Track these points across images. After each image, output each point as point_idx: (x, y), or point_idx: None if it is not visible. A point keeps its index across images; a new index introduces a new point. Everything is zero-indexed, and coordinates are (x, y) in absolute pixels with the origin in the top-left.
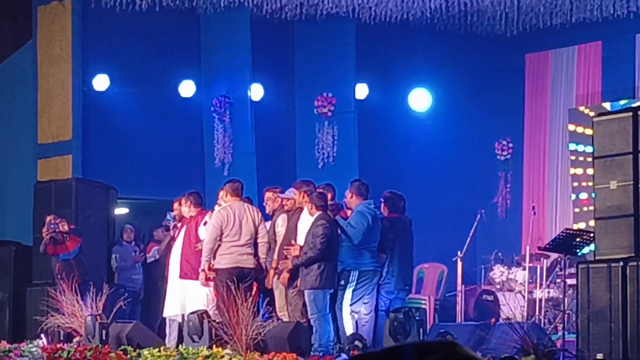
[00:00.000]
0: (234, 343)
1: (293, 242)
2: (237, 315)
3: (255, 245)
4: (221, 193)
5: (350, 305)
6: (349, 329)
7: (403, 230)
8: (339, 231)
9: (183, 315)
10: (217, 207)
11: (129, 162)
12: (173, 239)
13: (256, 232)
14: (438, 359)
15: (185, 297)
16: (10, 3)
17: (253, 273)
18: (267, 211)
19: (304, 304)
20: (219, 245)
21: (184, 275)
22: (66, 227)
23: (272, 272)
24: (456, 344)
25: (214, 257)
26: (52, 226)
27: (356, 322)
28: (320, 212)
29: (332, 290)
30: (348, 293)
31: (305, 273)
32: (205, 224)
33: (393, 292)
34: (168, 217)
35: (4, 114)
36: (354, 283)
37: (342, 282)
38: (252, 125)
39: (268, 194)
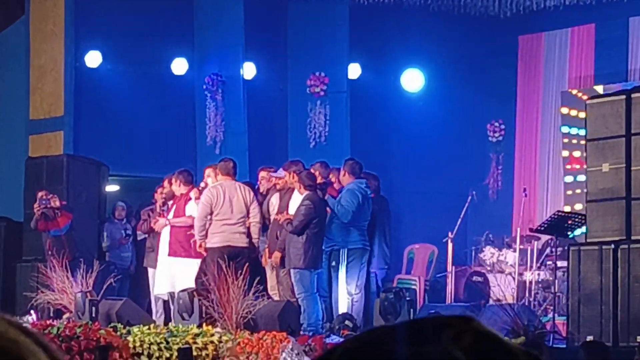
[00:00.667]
0: (224, 321)
1: (285, 213)
2: (228, 294)
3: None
4: (207, 171)
5: (346, 284)
6: (344, 308)
7: (380, 210)
8: (329, 210)
9: (172, 293)
10: (202, 185)
11: (120, 139)
12: (161, 215)
13: (248, 212)
14: (455, 334)
15: (174, 275)
16: None
17: (245, 252)
18: (261, 190)
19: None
20: (210, 224)
21: (173, 253)
22: (57, 203)
23: (266, 250)
24: (473, 319)
25: (206, 236)
26: (44, 202)
27: (351, 301)
28: (307, 192)
29: (319, 270)
30: (342, 272)
31: (291, 253)
32: (189, 200)
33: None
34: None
35: None
36: (345, 262)
37: (334, 263)
38: (244, 104)
39: (262, 173)
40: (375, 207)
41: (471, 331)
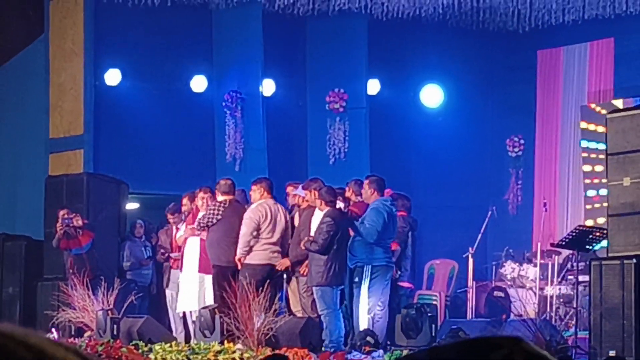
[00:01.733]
0: (246, 338)
1: (308, 237)
2: (249, 311)
3: (283, 244)
4: (253, 191)
5: (368, 300)
6: (365, 325)
7: (412, 230)
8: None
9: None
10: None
11: (140, 157)
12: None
13: (285, 231)
14: (504, 355)
15: (205, 292)
16: None
17: (281, 272)
18: (289, 204)
19: (314, 300)
20: (255, 242)
21: (203, 269)
22: (80, 222)
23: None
24: (522, 340)
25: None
26: (66, 221)
27: (372, 318)
28: (328, 209)
29: (341, 287)
30: (364, 289)
31: (313, 270)
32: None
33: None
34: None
35: (16, 109)
36: (368, 279)
37: (357, 279)
38: (263, 121)
39: (290, 188)
40: (407, 227)
41: (521, 352)
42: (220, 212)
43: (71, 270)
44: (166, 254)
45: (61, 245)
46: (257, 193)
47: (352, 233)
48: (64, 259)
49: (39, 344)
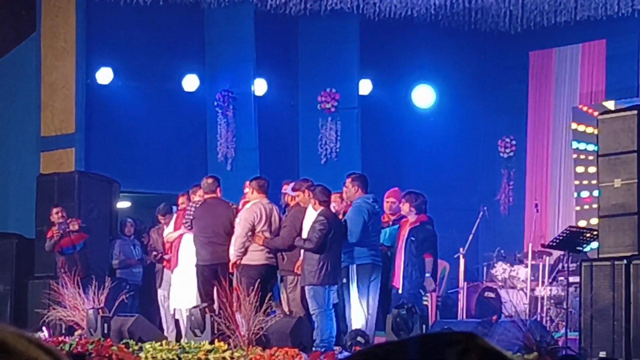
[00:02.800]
0: (236, 338)
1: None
2: (241, 310)
3: None
4: (247, 189)
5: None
6: (357, 325)
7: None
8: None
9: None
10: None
11: (131, 155)
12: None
13: (279, 231)
14: (460, 350)
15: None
16: None
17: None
18: (284, 204)
19: (303, 299)
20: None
21: None
22: (76, 227)
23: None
24: (476, 335)
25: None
26: (62, 226)
27: (364, 318)
28: (322, 208)
29: (334, 286)
30: (353, 289)
31: (306, 269)
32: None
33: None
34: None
35: (7, 107)
36: (355, 279)
37: (345, 280)
38: (255, 120)
39: (286, 187)
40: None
41: (477, 348)
42: (192, 213)
43: (62, 269)
44: (159, 255)
45: (55, 249)
46: (251, 192)
47: None
48: (56, 258)
49: (1, 336)
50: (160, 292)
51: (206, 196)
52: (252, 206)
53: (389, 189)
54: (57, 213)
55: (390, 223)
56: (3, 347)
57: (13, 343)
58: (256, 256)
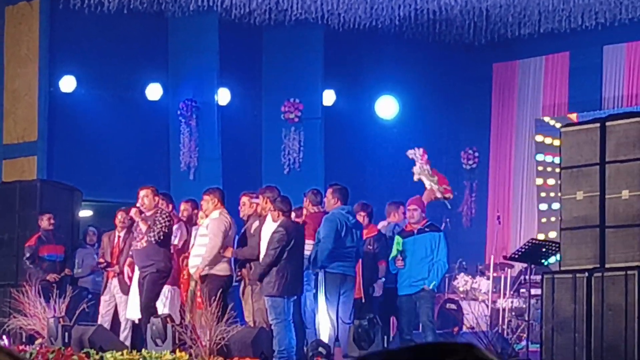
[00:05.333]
0: (197, 347)
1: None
2: (201, 320)
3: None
4: (206, 201)
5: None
6: (324, 334)
7: None
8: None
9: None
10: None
11: (94, 164)
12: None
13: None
14: None
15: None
16: None
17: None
18: (241, 215)
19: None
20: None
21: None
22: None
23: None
24: (474, 346)
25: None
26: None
27: (336, 327)
28: (282, 219)
29: (294, 297)
30: (321, 299)
31: (264, 280)
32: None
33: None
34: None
35: None
36: (323, 288)
37: (314, 288)
38: (218, 130)
39: (244, 199)
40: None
41: (474, 358)
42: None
43: (37, 276)
44: (104, 263)
45: (40, 251)
46: (210, 203)
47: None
48: (27, 264)
49: None
50: (103, 299)
51: (222, 207)
52: (222, 218)
53: (411, 197)
54: (48, 219)
55: (415, 232)
56: None
57: None
58: (222, 267)
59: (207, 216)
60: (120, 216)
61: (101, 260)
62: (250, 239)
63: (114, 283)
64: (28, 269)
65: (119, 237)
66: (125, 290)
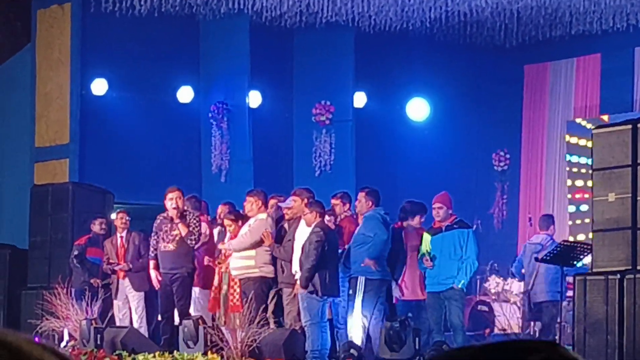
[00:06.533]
0: (229, 349)
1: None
2: (236, 322)
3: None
4: (249, 202)
5: (362, 313)
6: (358, 337)
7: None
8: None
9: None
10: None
11: (126, 166)
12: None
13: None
14: (541, 358)
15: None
16: (9, 7)
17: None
18: (275, 216)
19: (299, 311)
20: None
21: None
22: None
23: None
24: (557, 344)
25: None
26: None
27: (367, 330)
28: (318, 220)
29: (329, 298)
30: (358, 301)
31: (301, 280)
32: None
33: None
34: None
35: (1, 118)
36: (362, 291)
37: (351, 291)
38: (249, 132)
39: (273, 201)
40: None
41: (558, 356)
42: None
43: (83, 276)
44: (115, 264)
45: (88, 252)
46: (254, 205)
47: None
48: (75, 265)
49: (16, 342)
50: (116, 303)
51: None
52: (268, 219)
53: (438, 194)
54: (100, 224)
55: (444, 229)
56: (19, 353)
57: (28, 349)
58: (268, 268)
59: (250, 217)
60: (120, 217)
61: (112, 261)
62: (287, 242)
63: (126, 283)
64: (75, 268)
65: (121, 237)
66: (138, 286)
